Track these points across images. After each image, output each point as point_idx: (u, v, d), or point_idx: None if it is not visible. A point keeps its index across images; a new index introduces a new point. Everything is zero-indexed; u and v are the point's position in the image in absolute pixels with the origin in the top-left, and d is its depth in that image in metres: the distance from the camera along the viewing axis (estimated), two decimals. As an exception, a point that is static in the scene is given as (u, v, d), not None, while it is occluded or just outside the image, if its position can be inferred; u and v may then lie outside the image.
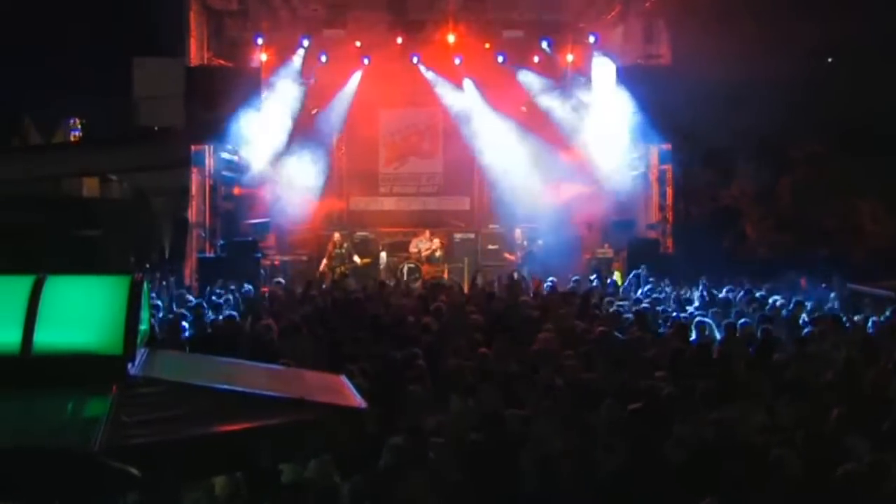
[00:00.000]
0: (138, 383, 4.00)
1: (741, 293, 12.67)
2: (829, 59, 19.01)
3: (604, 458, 6.25)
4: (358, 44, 19.01)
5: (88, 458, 3.40)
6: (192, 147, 17.36)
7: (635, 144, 18.20)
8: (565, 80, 19.66)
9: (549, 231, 18.39)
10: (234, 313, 11.00)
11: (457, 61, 19.27)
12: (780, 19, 16.23)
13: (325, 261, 18.34)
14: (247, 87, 17.08)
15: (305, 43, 18.59)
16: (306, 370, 5.60)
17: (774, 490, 5.65)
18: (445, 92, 19.96)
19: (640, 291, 13.69)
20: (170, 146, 17.93)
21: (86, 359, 4.01)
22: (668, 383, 7.52)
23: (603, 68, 18.22)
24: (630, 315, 10.86)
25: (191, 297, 12.99)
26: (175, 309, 11.62)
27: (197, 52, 17.66)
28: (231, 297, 12.76)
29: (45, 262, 4.58)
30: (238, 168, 18.79)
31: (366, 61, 19.27)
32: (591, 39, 18.47)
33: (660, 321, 11.12)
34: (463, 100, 19.97)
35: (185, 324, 10.40)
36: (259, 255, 17.00)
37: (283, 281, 14.91)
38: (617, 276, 16.72)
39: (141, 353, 4.26)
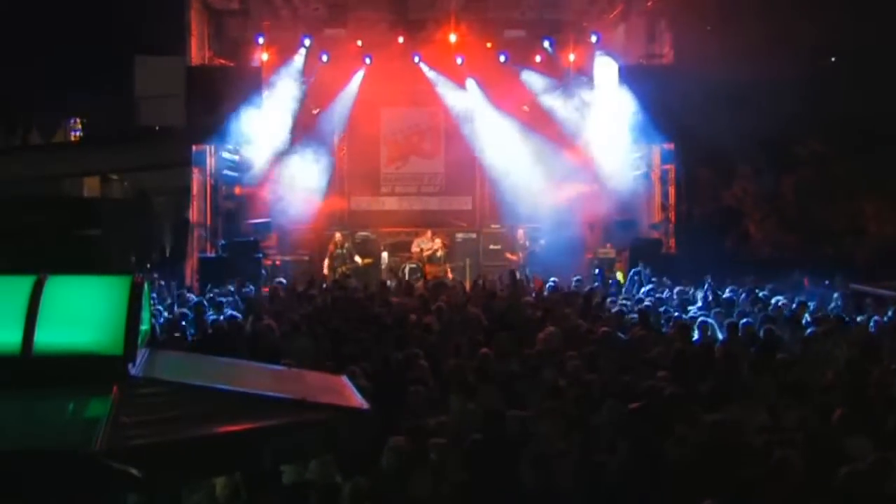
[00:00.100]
0: (139, 384, 3.99)
1: (744, 293, 12.65)
2: (833, 59, 18.99)
3: (605, 459, 6.23)
4: (359, 43, 19.00)
5: (89, 458, 3.39)
6: (194, 147, 17.35)
7: (637, 144, 18.17)
8: (567, 80, 19.62)
9: (552, 231, 18.37)
10: (236, 313, 10.99)
11: (458, 61, 19.25)
12: (782, 18, 16.19)
13: (326, 261, 18.33)
14: (248, 86, 17.06)
15: (306, 42, 18.58)
16: (307, 371, 5.58)
17: (776, 491, 5.63)
18: (447, 91, 19.94)
19: (642, 291, 13.66)
20: (170, 146, 17.92)
21: (86, 359, 4.00)
22: (671, 383, 7.49)
23: (605, 68, 18.20)
24: (633, 315, 10.83)
25: (192, 297, 12.98)
26: (176, 309, 11.60)
27: (198, 52, 17.67)
28: (232, 297, 12.76)
29: (45, 263, 4.56)
30: (239, 168, 18.78)
31: (367, 61, 19.24)
32: (594, 39, 18.45)
33: (662, 321, 11.09)
34: (465, 99, 19.94)
35: (185, 324, 10.39)
36: (260, 255, 16.99)
37: (284, 281, 14.91)
38: (619, 276, 16.70)
39: (142, 354, 4.25)
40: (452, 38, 18.81)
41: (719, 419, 6.51)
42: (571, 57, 19.54)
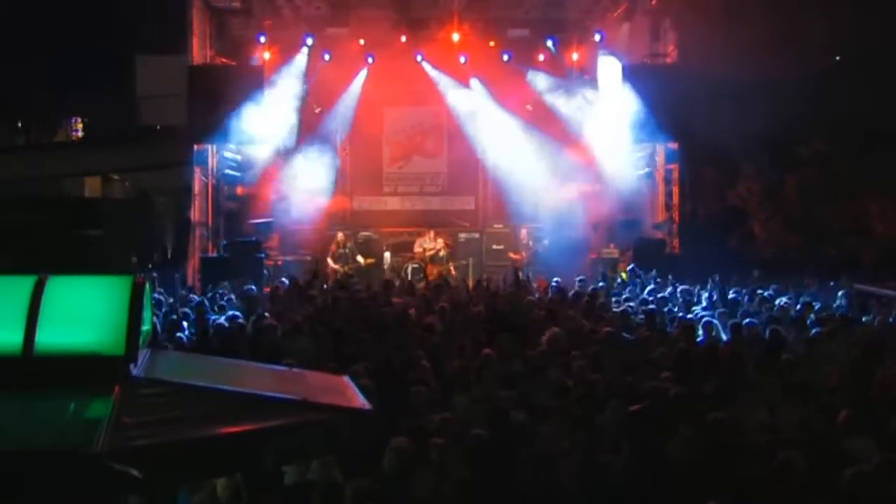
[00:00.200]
0: (140, 384, 3.97)
1: (747, 294, 12.61)
2: (837, 58, 18.95)
3: (609, 459, 6.20)
4: (361, 42, 18.95)
5: (90, 459, 3.37)
6: (195, 146, 17.34)
7: (641, 143, 18.13)
8: (571, 79, 19.57)
9: (555, 231, 18.33)
10: (238, 313, 10.96)
11: (461, 60, 19.20)
12: (787, 17, 16.16)
13: (328, 261, 18.31)
14: (249, 85, 17.03)
15: (308, 41, 18.52)
16: (309, 371, 5.56)
17: (780, 492, 5.60)
18: (450, 91, 19.90)
19: (645, 291, 13.62)
20: (172, 145, 17.90)
21: (87, 359, 3.97)
22: (675, 384, 7.46)
23: (609, 67, 18.14)
24: (637, 315, 10.79)
25: (194, 297, 12.96)
26: (178, 309, 11.58)
27: (199, 51, 17.65)
28: (233, 297, 12.73)
29: (46, 263, 4.54)
30: (241, 167, 18.76)
31: (370, 60, 19.20)
32: (597, 38, 18.39)
33: (666, 321, 11.06)
34: (467, 99, 19.91)
35: (186, 324, 10.37)
36: (262, 255, 16.97)
37: (286, 281, 14.89)
38: (623, 276, 16.65)
39: (143, 354, 4.23)
40: (455, 37, 18.77)
41: (719, 416, 6.47)
42: (575, 56, 19.50)
